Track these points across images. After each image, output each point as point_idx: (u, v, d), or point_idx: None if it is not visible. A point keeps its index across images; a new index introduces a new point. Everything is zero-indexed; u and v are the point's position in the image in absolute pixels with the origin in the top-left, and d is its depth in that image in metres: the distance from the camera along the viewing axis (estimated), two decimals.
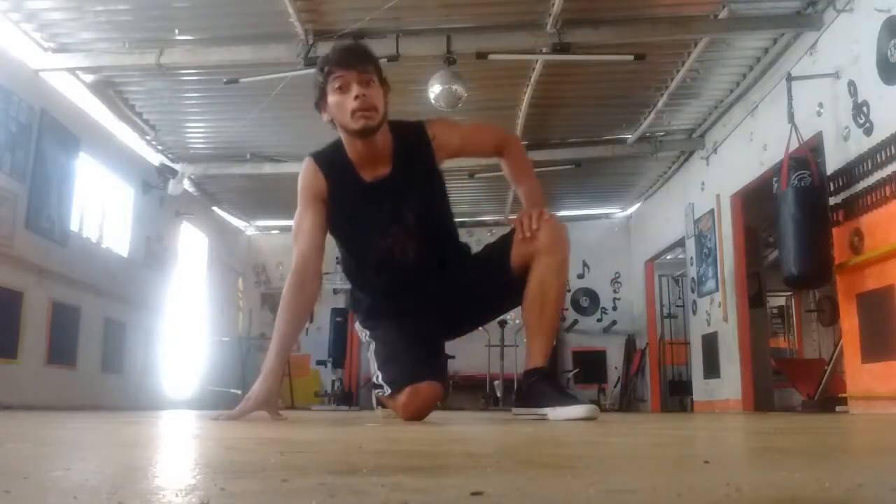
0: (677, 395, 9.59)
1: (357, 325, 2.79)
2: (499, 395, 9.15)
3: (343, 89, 2.27)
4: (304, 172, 2.51)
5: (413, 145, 2.46)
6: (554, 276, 2.45)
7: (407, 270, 2.51)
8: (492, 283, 2.54)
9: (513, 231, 2.51)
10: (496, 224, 9.02)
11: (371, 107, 2.27)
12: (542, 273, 2.44)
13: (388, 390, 2.44)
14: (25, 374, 5.55)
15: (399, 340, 2.51)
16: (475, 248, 2.77)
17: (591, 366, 10.27)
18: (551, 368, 2.66)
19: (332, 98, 2.29)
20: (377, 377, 2.51)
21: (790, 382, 7.63)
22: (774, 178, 5.11)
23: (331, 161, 2.45)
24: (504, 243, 2.53)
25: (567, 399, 2.37)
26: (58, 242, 6.08)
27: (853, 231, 4.72)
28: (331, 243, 2.58)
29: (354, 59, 2.29)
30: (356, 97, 2.24)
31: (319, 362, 9.76)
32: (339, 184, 2.43)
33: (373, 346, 2.61)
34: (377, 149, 2.39)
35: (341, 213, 2.48)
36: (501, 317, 9.13)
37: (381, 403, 2.72)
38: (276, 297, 11.56)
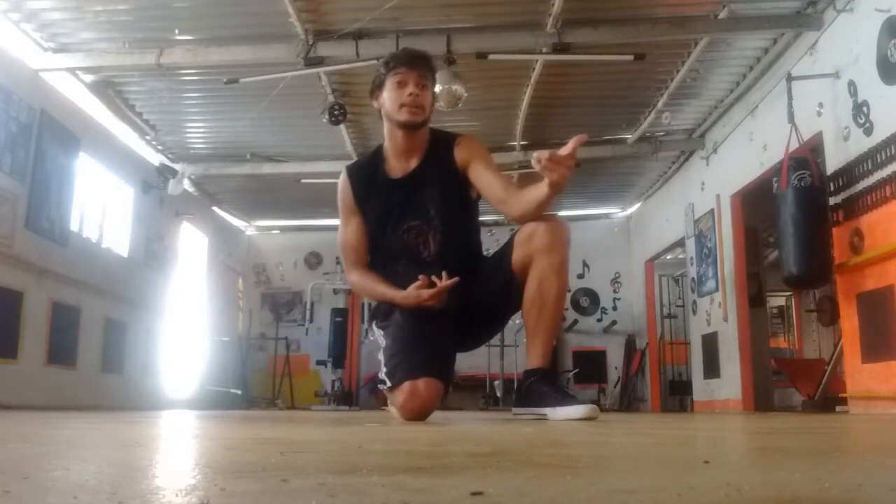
0: (677, 395, 9.59)
1: (374, 329, 2.75)
2: (499, 395, 9.15)
3: (400, 85, 2.53)
4: (339, 186, 2.73)
5: (441, 146, 2.67)
6: (553, 277, 2.43)
7: (429, 265, 2.52)
8: (498, 291, 2.54)
9: (512, 237, 2.54)
10: (496, 224, 9.01)
11: (420, 105, 2.53)
12: (541, 273, 2.43)
13: (388, 383, 2.43)
14: (25, 374, 5.55)
15: (407, 336, 2.48)
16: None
17: (591, 366, 10.27)
18: (551, 369, 2.66)
19: (388, 90, 2.55)
20: (382, 371, 2.51)
21: (790, 382, 7.63)
22: (774, 178, 5.10)
23: (361, 167, 2.75)
24: (505, 249, 2.55)
25: (567, 399, 2.37)
26: (58, 242, 6.07)
27: (853, 231, 4.72)
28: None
29: (418, 62, 2.59)
30: (409, 94, 2.51)
31: (319, 362, 9.76)
32: (367, 185, 2.66)
33: (384, 344, 2.58)
34: (414, 143, 2.62)
35: (371, 211, 2.66)
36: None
37: (385, 403, 2.73)
38: (276, 297, 11.52)
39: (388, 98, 2.55)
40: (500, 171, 2.75)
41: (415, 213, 2.59)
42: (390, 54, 2.70)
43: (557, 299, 2.48)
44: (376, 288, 2.61)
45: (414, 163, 2.64)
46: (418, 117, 2.54)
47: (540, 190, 2.35)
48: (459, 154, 2.63)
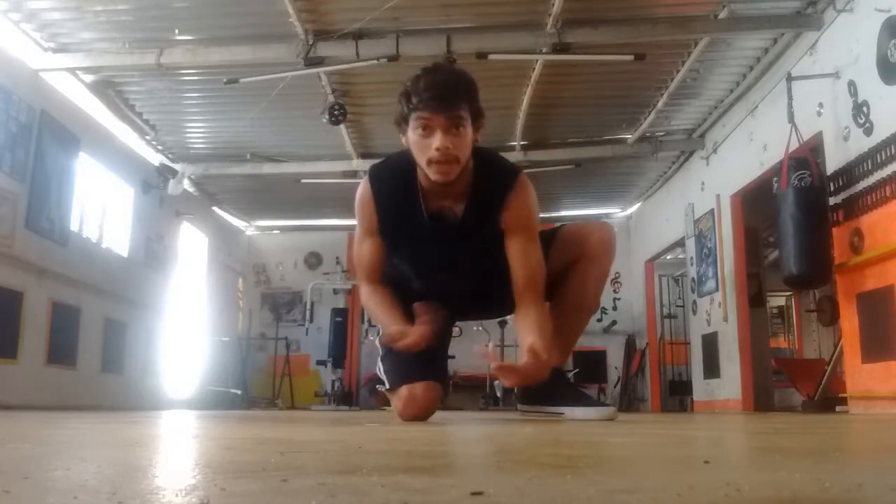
0: (677, 395, 9.59)
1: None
2: (499, 395, 9.14)
3: (426, 132, 2.04)
4: (360, 194, 2.27)
5: (492, 189, 2.21)
6: (594, 287, 2.42)
7: (451, 298, 2.40)
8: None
9: (557, 230, 2.45)
10: None
11: (453, 159, 2.05)
12: (584, 281, 2.38)
13: (387, 384, 2.38)
14: (25, 374, 5.54)
15: None
16: None
17: (591, 366, 10.25)
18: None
19: (412, 134, 2.07)
20: (379, 369, 2.45)
21: (790, 382, 7.62)
22: (774, 178, 5.11)
23: (391, 183, 2.23)
24: (545, 242, 2.37)
25: (585, 400, 2.36)
26: (58, 242, 6.07)
27: (853, 231, 4.72)
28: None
29: (444, 101, 2.02)
30: (437, 148, 2.01)
31: (319, 362, 9.76)
32: (395, 209, 2.22)
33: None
34: (453, 189, 2.17)
35: (395, 238, 2.29)
36: (501, 317, 9.14)
37: (385, 403, 2.69)
38: (276, 297, 11.49)
39: (414, 144, 2.08)
40: (533, 223, 2.27)
41: (448, 265, 2.26)
42: (412, 83, 2.08)
43: (591, 309, 2.48)
44: (380, 312, 2.27)
45: (455, 203, 2.20)
46: (451, 175, 2.07)
47: (523, 333, 2.14)
48: (507, 216, 2.20)
